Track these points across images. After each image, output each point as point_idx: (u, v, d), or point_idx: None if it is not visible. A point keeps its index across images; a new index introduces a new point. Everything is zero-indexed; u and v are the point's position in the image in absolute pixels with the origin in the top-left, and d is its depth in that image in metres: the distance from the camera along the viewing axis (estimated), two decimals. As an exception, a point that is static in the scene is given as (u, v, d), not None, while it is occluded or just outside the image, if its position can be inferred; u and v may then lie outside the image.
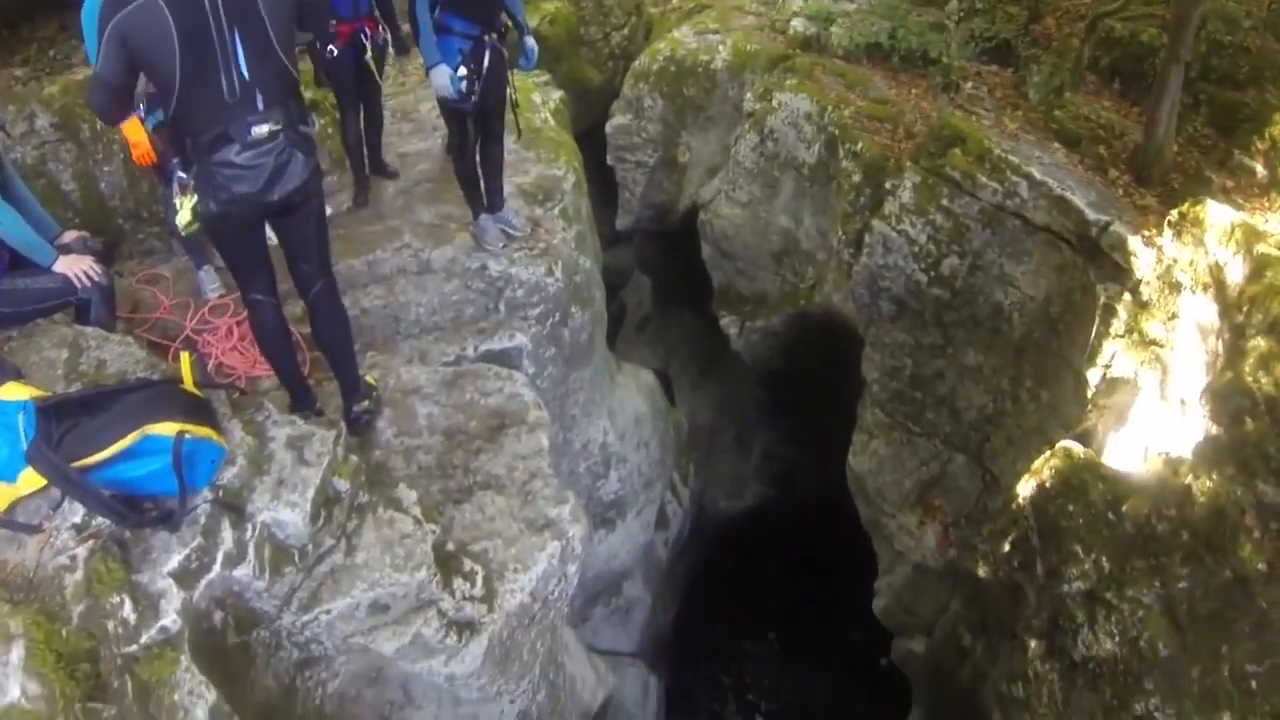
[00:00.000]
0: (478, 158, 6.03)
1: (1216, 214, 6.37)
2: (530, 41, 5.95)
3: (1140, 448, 6.29)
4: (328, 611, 3.69)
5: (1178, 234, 6.63)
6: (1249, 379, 5.33)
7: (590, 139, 10.82)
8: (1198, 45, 8.10)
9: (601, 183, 10.94)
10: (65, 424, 3.28)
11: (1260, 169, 7.50)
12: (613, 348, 9.57)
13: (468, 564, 4.19)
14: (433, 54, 5.37)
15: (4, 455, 3.20)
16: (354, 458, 4.23)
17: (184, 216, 3.72)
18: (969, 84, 9.47)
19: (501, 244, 6.24)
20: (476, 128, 5.86)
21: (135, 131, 4.92)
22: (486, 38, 5.52)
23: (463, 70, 5.45)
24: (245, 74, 3.57)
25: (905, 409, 8.83)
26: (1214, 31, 8.62)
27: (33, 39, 6.63)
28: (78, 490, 3.15)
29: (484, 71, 5.52)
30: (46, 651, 2.75)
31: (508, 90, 5.88)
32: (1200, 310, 6.24)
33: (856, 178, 8.71)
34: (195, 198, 3.70)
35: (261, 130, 3.64)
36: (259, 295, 4.19)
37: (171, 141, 4.58)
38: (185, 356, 3.86)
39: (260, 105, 3.64)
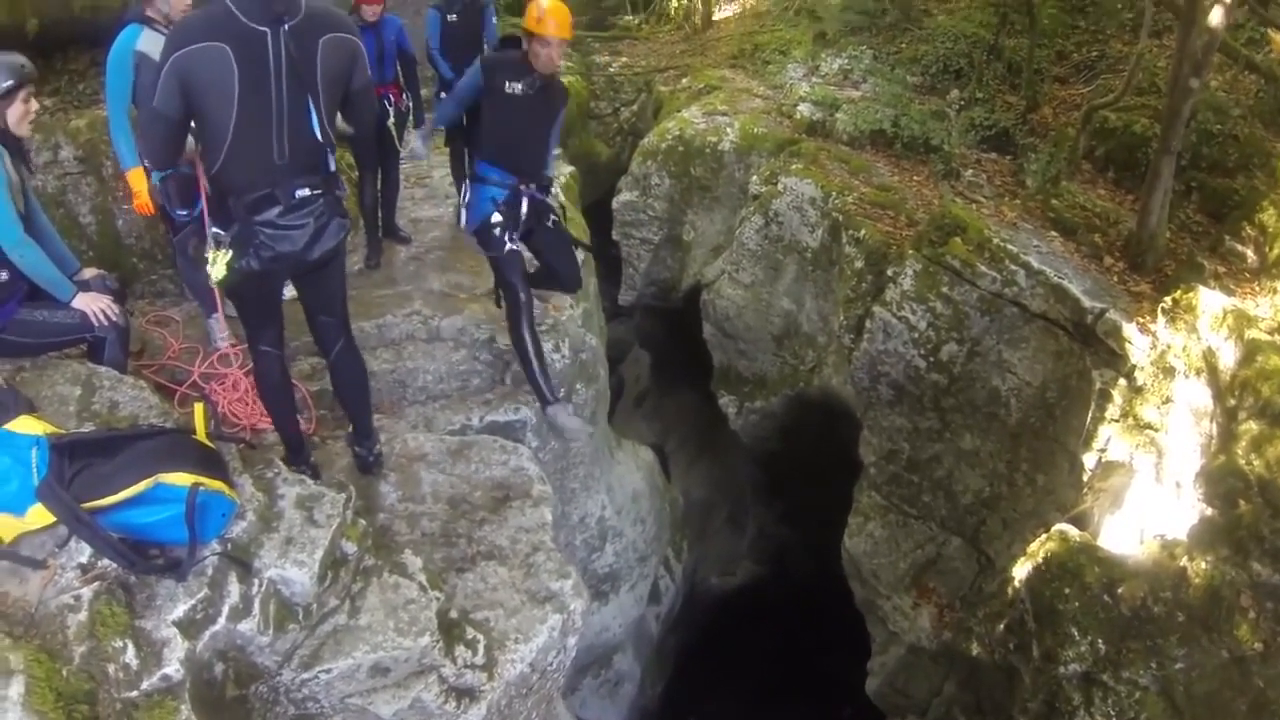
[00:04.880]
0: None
1: (1208, 300, 6.51)
2: None
3: (1136, 530, 6.33)
4: (328, 671, 3.65)
5: (1171, 320, 6.76)
6: (1242, 461, 5.42)
7: (596, 212, 11.01)
8: (1189, 135, 8.31)
9: (604, 256, 11.07)
10: (78, 464, 3.28)
11: (1250, 254, 7.67)
12: (610, 422, 9.60)
13: (470, 632, 4.17)
14: (441, 117, 5.24)
15: (14, 488, 3.19)
16: (362, 521, 4.24)
17: (219, 271, 3.69)
18: (969, 171, 9.73)
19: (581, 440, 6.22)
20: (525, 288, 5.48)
21: (139, 180, 4.94)
22: (524, 187, 5.39)
23: (496, 216, 5.29)
24: (296, 136, 3.58)
25: (902, 492, 8.82)
26: (1204, 122, 8.90)
27: (64, 70, 6.72)
28: (87, 531, 3.14)
29: (521, 220, 5.40)
30: (47, 690, 2.73)
31: (568, 240, 5.72)
32: (1194, 394, 6.34)
33: (859, 264, 8.79)
34: (230, 254, 3.68)
35: (305, 193, 3.69)
36: (267, 347, 4.21)
37: (182, 192, 4.60)
38: (199, 407, 3.85)
39: (306, 168, 3.68)
